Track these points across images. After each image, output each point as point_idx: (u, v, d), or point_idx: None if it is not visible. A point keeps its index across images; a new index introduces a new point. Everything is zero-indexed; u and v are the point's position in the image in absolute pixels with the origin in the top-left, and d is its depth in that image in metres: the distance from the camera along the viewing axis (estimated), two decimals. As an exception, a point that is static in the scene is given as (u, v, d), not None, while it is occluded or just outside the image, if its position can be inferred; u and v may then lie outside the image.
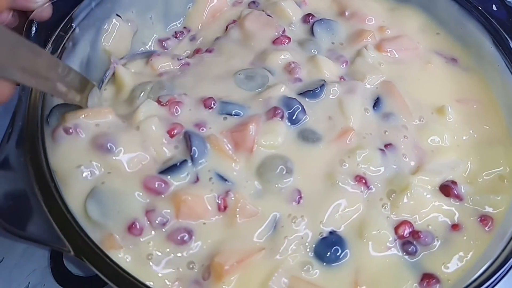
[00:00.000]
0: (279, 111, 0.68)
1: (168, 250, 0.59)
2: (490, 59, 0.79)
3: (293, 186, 0.64)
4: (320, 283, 0.60)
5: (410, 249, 0.63)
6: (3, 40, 0.47)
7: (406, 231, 0.63)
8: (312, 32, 0.84)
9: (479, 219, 0.66)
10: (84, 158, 0.61)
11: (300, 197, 0.64)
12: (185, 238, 0.59)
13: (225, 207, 0.62)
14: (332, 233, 0.62)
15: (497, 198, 0.68)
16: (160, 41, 0.83)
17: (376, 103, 0.74)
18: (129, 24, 0.78)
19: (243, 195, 0.62)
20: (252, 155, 0.65)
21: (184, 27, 0.86)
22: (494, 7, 0.81)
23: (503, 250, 0.60)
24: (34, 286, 0.69)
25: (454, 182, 0.68)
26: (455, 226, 0.66)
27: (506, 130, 0.76)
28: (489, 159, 0.72)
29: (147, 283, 0.54)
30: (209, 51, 0.80)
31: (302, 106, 0.70)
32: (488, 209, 0.67)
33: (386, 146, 0.70)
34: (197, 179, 0.63)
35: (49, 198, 0.55)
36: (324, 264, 0.61)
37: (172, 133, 0.65)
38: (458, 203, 0.67)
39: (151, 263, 0.58)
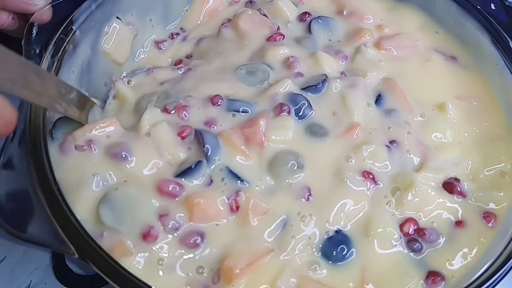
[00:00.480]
0: (286, 107, 0.68)
1: (178, 254, 0.58)
2: (489, 58, 0.79)
3: (303, 182, 0.64)
4: (328, 282, 0.59)
5: (415, 246, 0.62)
6: (6, 60, 0.46)
7: (411, 228, 0.63)
8: (309, 29, 0.83)
9: (482, 216, 0.66)
10: (98, 169, 0.60)
11: (310, 194, 0.63)
12: (197, 242, 0.59)
13: (237, 207, 0.61)
14: (338, 232, 0.62)
15: (500, 194, 0.68)
16: (157, 43, 0.83)
17: (378, 99, 0.74)
18: (130, 27, 0.78)
19: (254, 194, 0.62)
20: (263, 150, 0.65)
21: (181, 28, 0.86)
22: (492, 6, 0.81)
23: (505, 248, 0.59)
24: (35, 284, 0.69)
25: (457, 179, 0.68)
26: (459, 223, 0.65)
27: (506, 126, 0.76)
28: (491, 155, 0.72)
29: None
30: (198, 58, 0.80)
31: (309, 102, 0.70)
32: (491, 206, 0.67)
33: (391, 142, 0.69)
34: (211, 181, 0.62)
35: (53, 202, 0.54)
36: (331, 263, 0.60)
37: (182, 135, 0.64)
38: (461, 200, 0.67)
39: (160, 268, 0.57)
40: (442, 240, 0.64)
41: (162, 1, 0.83)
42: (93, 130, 0.62)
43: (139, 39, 0.81)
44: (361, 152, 0.67)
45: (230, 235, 0.60)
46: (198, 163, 0.62)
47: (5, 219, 0.52)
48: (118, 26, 0.75)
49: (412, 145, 0.70)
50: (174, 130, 0.64)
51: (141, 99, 0.69)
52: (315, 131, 0.68)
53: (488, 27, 0.79)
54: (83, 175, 0.59)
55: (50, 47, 0.65)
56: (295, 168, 0.64)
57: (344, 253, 0.61)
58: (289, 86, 0.71)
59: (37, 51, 0.66)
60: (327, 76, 0.74)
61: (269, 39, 0.79)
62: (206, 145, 0.63)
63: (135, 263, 0.56)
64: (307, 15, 0.85)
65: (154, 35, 0.83)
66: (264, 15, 0.84)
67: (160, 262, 0.57)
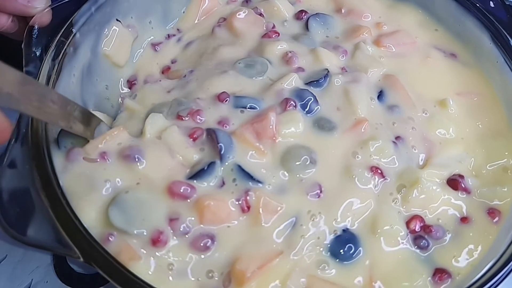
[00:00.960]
0: (292, 102, 0.67)
1: (188, 259, 0.57)
2: (489, 55, 0.79)
3: (313, 178, 0.63)
4: (337, 281, 0.59)
5: (422, 243, 0.62)
6: (14, 82, 0.48)
7: (418, 225, 0.63)
8: (307, 27, 0.83)
9: (487, 212, 0.66)
10: (111, 176, 0.59)
11: (321, 191, 0.62)
12: (208, 244, 0.58)
13: (248, 207, 0.60)
14: (345, 230, 0.61)
15: (504, 190, 0.67)
16: (153, 45, 0.82)
17: (380, 96, 0.73)
18: (130, 29, 0.78)
19: (264, 192, 0.61)
20: (276, 145, 0.64)
21: (177, 29, 0.85)
22: (491, 4, 0.80)
23: (509, 246, 0.59)
24: (37, 283, 0.69)
25: (461, 176, 0.68)
26: (464, 219, 0.65)
27: (506, 122, 0.75)
28: (493, 151, 0.72)
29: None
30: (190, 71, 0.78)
31: (315, 97, 0.69)
32: (496, 202, 0.67)
33: (396, 138, 0.69)
34: (223, 183, 0.61)
35: (56, 205, 0.54)
36: (339, 262, 0.60)
37: (193, 136, 0.63)
38: (466, 196, 0.67)
39: (170, 274, 0.56)
40: (448, 236, 0.63)
41: (161, 3, 0.82)
42: (103, 142, 0.61)
43: (138, 41, 0.80)
44: (367, 148, 0.66)
45: (240, 236, 0.59)
46: (211, 164, 0.61)
47: (10, 224, 0.52)
48: (118, 29, 0.75)
49: (417, 140, 0.70)
50: (185, 133, 0.64)
51: (151, 111, 0.67)
52: (323, 125, 0.67)
53: (488, 25, 0.79)
54: (93, 181, 0.59)
55: (51, 50, 0.65)
56: (308, 163, 0.63)
57: (352, 251, 0.60)
58: (294, 80, 0.70)
59: (37, 54, 0.65)
60: (328, 71, 0.73)
61: (264, 36, 0.79)
62: (220, 143, 0.62)
63: (144, 267, 0.55)
64: (303, 13, 0.84)
65: (152, 37, 0.82)
66: (260, 13, 0.84)
67: (170, 267, 0.56)
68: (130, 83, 0.78)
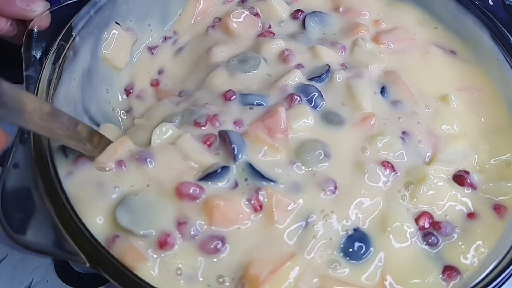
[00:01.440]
0: (296, 97, 0.67)
1: (198, 263, 0.56)
2: (489, 53, 0.78)
3: (327, 173, 0.62)
4: (349, 280, 0.58)
5: (431, 240, 0.61)
6: (26, 104, 0.48)
7: (427, 222, 0.62)
8: (303, 26, 0.82)
9: (493, 208, 0.65)
10: (121, 183, 0.59)
11: (335, 187, 0.61)
12: (218, 246, 0.56)
13: (261, 206, 0.58)
14: (356, 230, 0.60)
15: (508, 185, 0.67)
16: (150, 49, 0.81)
17: (382, 92, 0.73)
18: (129, 32, 0.77)
19: (276, 190, 0.59)
20: (288, 140, 0.64)
21: (174, 32, 0.84)
22: (490, 2, 0.80)
23: None
24: (37, 282, 0.68)
25: (466, 172, 0.67)
26: (471, 215, 0.64)
27: (507, 118, 0.75)
28: (496, 146, 0.71)
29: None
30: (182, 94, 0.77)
31: (319, 91, 0.69)
32: (501, 198, 0.66)
33: (403, 133, 0.68)
34: (236, 184, 0.60)
35: (61, 211, 0.53)
36: (351, 261, 0.59)
37: (208, 142, 0.62)
38: (472, 192, 0.66)
39: (179, 278, 0.55)
40: (456, 233, 0.63)
41: (160, 5, 0.81)
42: (117, 151, 0.60)
43: (137, 43, 0.79)
44: (375, 143, 0.65)
45: (252, 239, 0.58)
46: (224, 168, 0.60)
47: (15, 231, 0.51)
48: (117, 32, 0.74)
49: (423, 135, 0.70)
50: (199, 139, 0.63)
51: (165, 119, 0.66)
52: (332, 119, 0.67)
53: (487, 23, 0.79)
54: (102, 187, 0.58)
55: (51, 53, 0.64)
56: (322, 156, 0.63)
57: (363, 251, 0.59)
58: (298, 76, 0.70)
59: (37, 58, 0.65)
60: (330, 66, 0.73)
61: (260, 36, 0.79)
62: (233, 145, 0.61)
63: (150, 270, 0.54)
64: (299, 13, 0.83)
65: (151, 38, 0.82)
66: (257, 13, 0.83)
67: (179, 272, 0.55)
68: (127, 92, 0.78)
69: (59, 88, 0.64)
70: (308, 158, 0.63)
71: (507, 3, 0.81)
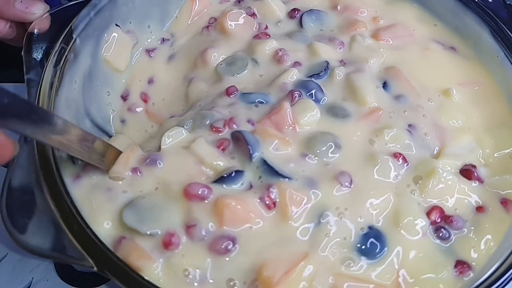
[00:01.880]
0: (296, 92, 0.66)
1: (206, 264, 0.55)
2: (489, 50, 0.78)
3: (339, 164, 0.61)
4: (364, 277, 0.56)
5: (443, 234, 0.60)
6: (38, 117, 0.48)
7: (438, 216, 0.61)
8: (301, 24, 0.81)
9: (500, 202, 0.64)
10: (131, 188, 0.58)
11: (351, 182, 0.60)
12: (229, 247, 0.55)
13: (274, 203, 0.57)
14: (371, 227, 0.59)
15: None
16: (148, 51, 0.80)
17: (384, 86, 0.72)
18: (129, 35, 0.76)
19: (289, 185, 0.58)
20: (298, 134, 0.63)
21: (171, 34, 0.83)
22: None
23: None
24: (37, 281, 0.67)
25: (473, 165, 0.67)
26: (479, 208, 0.64)
27: (509, 112, 0.75)
28: (499, 139, 0.71)
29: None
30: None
31: (319, 86, 0.68)
32: (507, 191, 0.66)
33: (409, 126, 0.67)
34: (251, 186, 0.59)
35: (66, 214, 0.53)
36: (366, 259, 0.57)
37: (222, 147, 0.61)
38: (479, 186, 0.66)
39: (187, 280, 0.54)
40: (467, 226, 0.62)
41: (159, 6, 0.81)
42: (129, 159, 0.60)
43: (137, 45, 0.79)
44: (382, 136, 0.65)
45: (264, 238, 0.56)
46: (238, 172, 0.59)
47: (20, 233, 0.51)
48: (117, 34, 0.73)
49: (429, 128, 0.69)
50: (213, 144, 0.62)
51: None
52: (337, 113, 0.67)
53: (487, 20, 0.78)
54: (111, 192, 0.58)
55: (52, 56, 0.64)
56: (333, 148, 0.62)
57: (378, 249, 0.58)
58: (295, 74, 0.70)
59: (38, 61, 0.64)
60: (328, 63, 0.72)
61: (255, 37, 0.78)
62: (249, 145, 0.60)
63: (156, 271, 0.53)
64: (296, 12, 0.83)
65: (149, 39, 0.81)
66: (253, 13, 0.82)
67: (186, 273, 0.54)
68: (124, 98, 0.76)
69: (60, 91, 0.63)
70: (318, 151, 0.62)
71: (508, 2, 0.81)
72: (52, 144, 0.52)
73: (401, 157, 0.63)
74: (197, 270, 0.54)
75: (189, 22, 0.84)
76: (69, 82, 0.66)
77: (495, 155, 0.70)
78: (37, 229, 0.53)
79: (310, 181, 0.59)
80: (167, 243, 0.54)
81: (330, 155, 0.62)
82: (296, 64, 0.73)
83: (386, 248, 0.58)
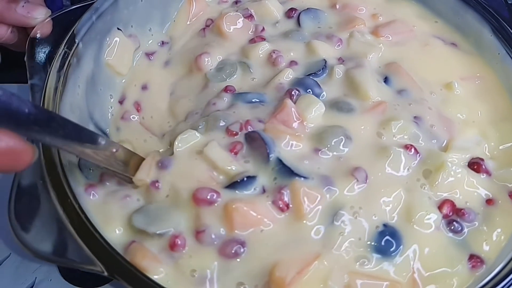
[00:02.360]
0: (294, 91, 0.66)
1: (213, 267, 0.54)
2: (491, 48, 0.77)
3: (352, 157, 0.61)
4: (379, 275, 0.56)
5: (454, 227, 0.60)
6: (66, 128, 0.49)
7: (449, 209, 0.60)
8: (299, 23, 0.81)
9: (509, 195, 0.64)
10: (143, 196, 0.59)
11: (366, 177, 0.59)
12: (238, 251, 0.54)
13: (287, 205, 0.57)
14: (386, 225, 0.58)
15: None
16: (147, 55, 0.79)
17: (385, 81, 0.72)
18: (131, 38, 0.76)
19: (303, 184, 0.57)
20: (306, 128, 0.63)
21: (170, 37, 0.82)
22: None
23: None
24: (40, 281, 0.66)
25: (481, 158, 0.66)
26: (489, 201, 0.63)
27: (511, 107, 0.74)
28: (503, 133, 0.71)
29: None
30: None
31: (316, 82, 0.68)
32: None
33: (415, 118, 0.67)
34: (264, 191, 0.58)
35: (79, 223, 0.53)
36: (381, 256, 0.57)
37: (234, 150, 0.60)
38: (488, 179, 0.65)
39: (191, 280, 0.53)
40: (479, 219, 0.61)
41: (160, 9, 0.80)
42: (152, 166, 0.60)
43: (140, 49, 0.78)
44: (390, 128, 0.65)
45: (276, 239, 0.56)
46: (250, 178, 0.58)
47: (31, 241, 0.51)
48: (119, 38, 0.73)
49: (435, 119, 0.68)
50: (226, 148, 0.61)
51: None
52: (342, 107, 0.66)
53: (488, 18, 0.77)
54: (126, 200, 0.59)
55: (55, 61, 0.63)
56: (344, 141, 0.62)
57: (394, 246, 0.57)
58: (290, 73, 0.70)
59: (41, 66, 0.64)
60: (326, 62, 0.72)
61: (250, 41, 0.77)
62: (267, 145, 0.60)
63: (163, 274, 0.53)
64: (293, 11, 0.82)
65: (151, 41, 0.80)
66: (251, 15, 0.81)
67: (193, 274, 0.54)
68: (120, 103, 0.75)
69: (64, 96, 0.63)
70: (329, 145, 0.62)
71: (509, 2, 0.81)
72: (74, 153, 0.53)
73: (413, 148, 0.63)
74: (207, 271, 0.54)
75: (187, 24, 0.84)
76: (73, 86, 0.65)
77: (500, 147, 0.70)
78: (45, 233, 0.53)
79: (325, 179, 0.59)
80: (173, 245, 0.55)
81: (341, 148, 0.62)
82: (293, 63, 0.73)
83: (402, 246, 0.57)
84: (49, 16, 0.67)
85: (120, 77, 0.75)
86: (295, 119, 0.63)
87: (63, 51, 0.65)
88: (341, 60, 0.74)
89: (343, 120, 0.65)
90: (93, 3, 0.70)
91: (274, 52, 0.74)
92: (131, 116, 0.73)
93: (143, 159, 0.61)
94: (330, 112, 0.66)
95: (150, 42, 0.80)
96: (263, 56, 0.74)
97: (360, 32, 0.79)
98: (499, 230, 0.61)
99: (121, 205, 0.58)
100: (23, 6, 0.65)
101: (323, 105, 0.65)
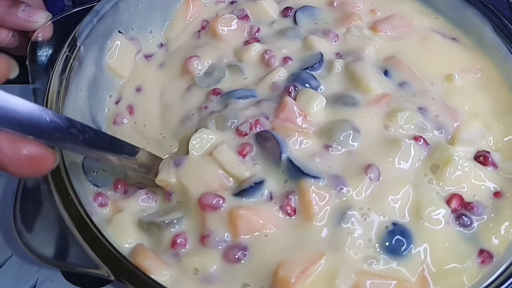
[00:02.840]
0: (292, 87, 0.66)
1: (218, 267, 0.54)
2: (492, 45, 0.77)
3: (362, 153, 0.61)
4: (389, 274, 0.55)
5: (464, 221, 0.59)
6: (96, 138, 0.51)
7: (458, 203, 0.60)
8: (295, 21, 0.81)
9: None
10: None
11: (379, 173, 0.59)
12: (241, 256, 0.54)
13: (294, 210, 0.56)
14: (395, 224, 0.57)
15: None
16: (146, 57, 0.78)
17: (385, 74, 0.72)
18: (132, 41, 0.76)
19: (312, 184, 0.57)
20: (311, 123, 0.63)
21: (167, 38, 0.82)
22: None
23: None
24: (42, 282, 0.65)
25: (487, 151, 0.65)
26: (497, 194, 0.62)
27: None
28: (507, 124, 0.70)
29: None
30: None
31: (311, 75, 0.68)
32: None
33: (420, 108, 0.66)
34: (271, 197, 0.57)
35: (80, 223, 0.53)
36: (391, 256, 0.56)
37: (243, 152, 0.60)
38: (494, 171, 0.64)
39: (195, 278, 0.54)
40: (488, 212, 0.61)
41: (160, 10, 0.80)
42: (171, 167, 0.60)
43: (142, 52, 0.78)
44: (396, 120, 0.64)
45: (281, 242, 0.55)
46: (258, 184, 0.58)
47: (36, 245, 0.51)
48: (120, 42, 0.73)
49: (440, 109, 0.68)
50: (234, 149, 0.60)
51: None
52: (346, 101, 0.66)
53: (489, 15, 0.77)
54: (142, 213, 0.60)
55: (57, 65, 0.63)
56: (352, 134, 0.62)
57: (405, 245, 0.56)
58: (283, 72, 0.70)
59: (43, 70, 0.64)
60: (322, 55, 0.71)
61: (245, 43, 0.77)
62: (280, 145, 0.59)
63: (165, 274, 0.54)
64: (289, 10, 0.82)
65: (150, 40, 0.80)
66: (246, 15, 0.81)
67: (196, 272, 0.54)
68: (116, 103, 0.74)
69: (67, 100, 0.63)
70: (338, 140, 0.62)
71: (511, 1, 0.80)
72: (95, 158, 0.54)
73: (421, 139, 0.62)
74: (210, 270, 0.55)
75: (184, 25, 0.83)
76: (75, 90, 0.65)
77: (505, 139, 0.69)
78: (50, 238, 0.54)
79: (337, 179, 0.58)
80: (175, 243, 0.56)
81: (351, 142, 0.62)
82: (287, 59, 0.72)
83: (412, 244, 0.57)
84: (50, 19, 0.67)
85: (121, 79, 0.75)
86: (297, 115, 0.63)
87: (65, 54, 0.64)
88: (338, 55, 0.74)
89: (349, 114, 0.65)
90: (94, 5, 0.69)
91: (266, 53, 0.73)
92: (123, 120, 0.72)
93: (161, 159, 0.61)
94: (335, 106, 0.66)
95: (150, 41, 0.80)
96: (256, 58, 0.74)
97: (357, 27, 0.78)
98: (507, 223, 0.61)
99: (132, 219, 0.59)
100: (23, 10, 0.65)
101: (324, 98, 0.65)
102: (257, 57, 0.74)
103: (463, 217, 0.60)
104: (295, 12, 0.81)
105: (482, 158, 0.65)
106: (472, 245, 0.58)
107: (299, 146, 0.60)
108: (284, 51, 0.74)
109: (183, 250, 0.56)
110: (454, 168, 0.61)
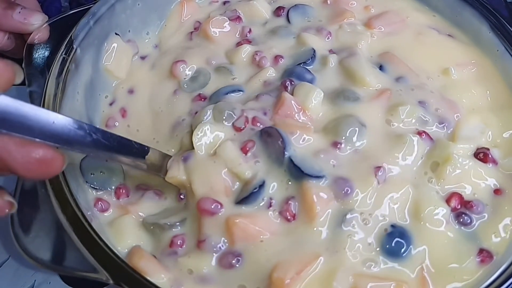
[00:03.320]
0: (288, 82, 0.65)
1: (213, 269, 0.54)
2: (489, 44, 0.76)
3: (368, 151, 0.60)
4: (388, 276, 0.54)
5: (464, 220, 0.58)
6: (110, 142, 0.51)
7: (457, 202, 0.59)
8: (288, 20, 0.80)
9: None
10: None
11: (386, 174, 0.58)
12: (235, 262, 0.54)
13: (294, 216, 0.56)
14: (394, 226, 0.57)
15: None
16: (142, 58, 0.77)
17: (381, 69, 0.71)
18: (129, 44, 0.75)
19: (315, 185, 0.56)
20: (312, 118, 0.63)
21: (160, 39, 0.81)
22: None
23: None
24: (39, 284, 0.66)
25: (486, 148, 0.65)
26: (497, 191, 0.62)
27: (510, 94, 0.73)
28: (505, 120, 0.69)
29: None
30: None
31: (306, 69, 0.67)
32: None
33: (419, 102, 0.66)
34: (270, 205, 0.57)
35: (80, 228, 0.52)
36: (391, 258, 0.55)
37: (246, 149, 0.59)
38: (494, 168, 0.64)
39: (191, 277, 0.53)
40: (488, 210, 0.60)
41: (157, 12, 0.79)
42: (181, 163, 0.60)
43: (139, 54, 0.77)
44: (397, 114, 0.64)
45: (277, 246, 0.55)
46: (260, 187, 0.57)
47: (33, 249, 0.51)
48: (117, 44, 0.72)
49: (439, 102, 0.67)
50: (237, 146, 0.60)
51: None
52: (348, 96, 0.65)
53: (486, 15, 0.76)
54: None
55: (53, 67, 0.62)
56: (358, 129, 0.61)
57: (404, 247, 0.55)
58: (273, 72, 0.70)
59: (39, 72, 0.64)
60: (315, 51, 0.71)
61: (238, 44, 0.76)
62: (285, 141, 0.59)
63: (162, 274, 0.53)
64: (281, 10, 0.81)
65: (147, 40, 0.79)
66: (238, 17, 0.80)
67: (190, 272, 0.55)
68: (110, 104, 0.73)
69: (64, 102, 0.62)
70: (344, 136, 0.61)
71: (509, 1, 0.79)
72: (103, 158, 0.54)
73: (424, 133, 0.62)
74: (204, 271, 0.55)
75: (178, 26, 0.83)
76: (72, 92, 0.65)
77: (504, 135, 0.69)
78: (48, 242, 0.53)
79: (342, 180, 0.57)
80: (171, 243, 0.56)
81: (358, 138, 0.61)
82: (278, 58, 0.72)
83: (411, 245, 0.56)
84: (46, 21, 0.67)
85: (117, 80, 0.75)
86: (296, 110, 0.62)
87: (61, 57, 0.64)
88: (331, 52, 0.73)
89: (352, 109, 0.64)
90: (90, 7, 0.69)
91: (257, 54, 0.73)
92: (115, 123, 0.71)
93: (170, 157, 0.61)
94: (337, 102, 0.65)
95: (146, 41, 0.79)
96: (246, 60, 0.74)
97: (351, 24, 0.78)
98: (507, 220, 0.60)
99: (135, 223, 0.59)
100: (19, 12, 0.64)
101: (321, 91, 0.64)
102: (248, 58, 0.73)
103: (463, 215, 0.59)
104: (288, 11, 0.81)
105: (482, 155, 0.64)
106: (471, 244, 0.58)
107: (302, 143, 0.60)
108: (274, 50, 0.74)
109: (180, 249, 0.56)
110: (454, 166, 0.61)
